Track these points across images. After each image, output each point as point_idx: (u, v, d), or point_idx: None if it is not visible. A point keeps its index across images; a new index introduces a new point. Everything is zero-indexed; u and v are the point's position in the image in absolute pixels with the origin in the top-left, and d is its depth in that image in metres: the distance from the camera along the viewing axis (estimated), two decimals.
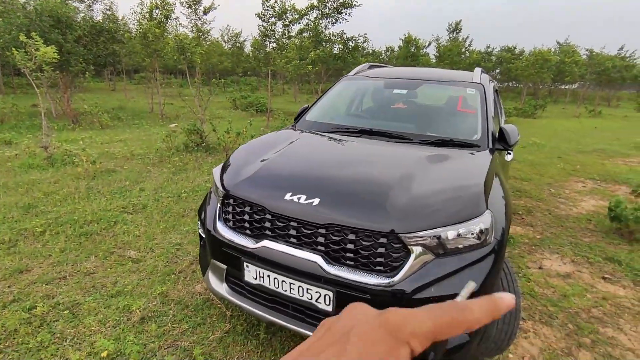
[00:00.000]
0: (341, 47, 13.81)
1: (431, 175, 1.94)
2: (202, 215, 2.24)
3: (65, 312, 2.36)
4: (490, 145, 2.42)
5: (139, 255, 3.15)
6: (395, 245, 1.63)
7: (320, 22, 13.41)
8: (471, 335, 1.66)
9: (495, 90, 3.68)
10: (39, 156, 6.08)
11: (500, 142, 2.51)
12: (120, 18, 17.73)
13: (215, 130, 6.84)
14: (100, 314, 2.36)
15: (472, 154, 2.29)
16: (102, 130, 9.94)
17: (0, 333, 2.16)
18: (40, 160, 5.92)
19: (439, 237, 1.64)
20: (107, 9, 17.12)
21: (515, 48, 34.97)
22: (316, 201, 1.76)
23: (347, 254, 1.68)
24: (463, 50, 31.02)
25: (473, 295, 0.35)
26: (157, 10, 12.28)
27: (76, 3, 15.78)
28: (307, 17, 13.34)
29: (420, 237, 1.62)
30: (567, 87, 37.83)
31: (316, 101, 3.27)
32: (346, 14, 13.61)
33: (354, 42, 14.06)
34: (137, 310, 2.38)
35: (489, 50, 35.96)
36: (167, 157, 6.55)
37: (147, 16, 12.58)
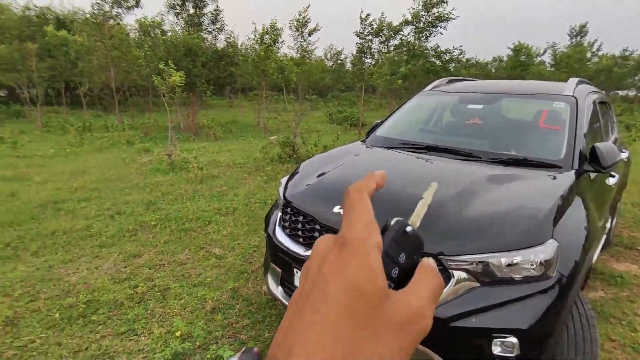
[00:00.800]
0: (435, 60, 13.39)
1: (489, 196, 1.81)
2: (267, 220, 2.46)
3: (158, 293, 2.82)
4: (577, 167, 2.11)
5: (222, 252, 3.56)
6: None
7: (414, 36, 13.23)
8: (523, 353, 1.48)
9: (603, 103, 3.17)
10: (164, 162, 7.28)
11: (592, 163, 2.18)
12: (240, 44, 20.16)
13: (305, 143, 7.27)
14: (183, 299, 2.75)
15: (550, 175, 2.04)
16: (215, 142, 11.40)
17: (112, 304, 2.69)
18: (164, 165, 7.09)
19: (486, 264, 1.53)
20: (228, 37, 19.62)
21: None
22: None
23: None
24: (589, 56, 26.81)
25: None
26: (267, 36, 13.70)
27: (205, 34, 18.48)
28: (402, 32, 13.31)
29: (463, 261, 1.53)
30: None
31: (388, 116, 3.29)
32: (442, 27, 13.17)
33: (448, 54, 13.48)
34: (210, 301, 2.71)
35: (625, 54, 30.20)
36: (262, 167, 7.19)
37: (258, 41, 14.14)
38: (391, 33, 13.28)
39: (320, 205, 2.00)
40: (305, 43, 20.20)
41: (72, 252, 3.45)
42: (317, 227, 1.95)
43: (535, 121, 2.59)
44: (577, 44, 28.67)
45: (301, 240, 2.06)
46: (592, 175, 2.25)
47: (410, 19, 13.38)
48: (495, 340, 1.50)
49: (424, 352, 1.59)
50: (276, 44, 14.12)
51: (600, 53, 29.60)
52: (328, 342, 0.23)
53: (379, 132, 3.09)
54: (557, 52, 27.43)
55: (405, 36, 13.49)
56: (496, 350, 1.51)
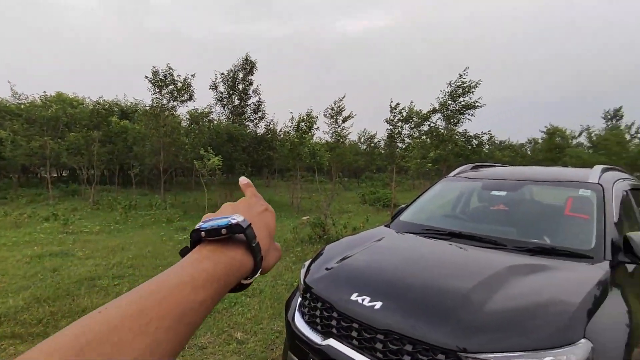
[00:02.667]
0: (465, 145, 13.78)
1: (515, 289, 1.73)
2: (288, 305, 2.44)
3: None
4: (610, 257, 2.01)
5: (244, 337, 3.47)
6: None
7: (444, 121, 13.88)
8: None
9: (638, 189, 3.06)
10: None
11: (628, 254, 2.06)
12: (279, 130, 21.80)
13: (334, 224, 7.33)
14: None
15: (581, 266, 1.94)
16: None
17: None
18: None
19: None
20: (268, 124, 21.34)
21: None
22: (378, 304, 1.77)
23: None
24: (628, 138, 26.37)
25: None
26: (302, 123, 14.85)
27: (247, 122, 20.27)
28: (430, 120, 14.02)
29: None
30: None
31: (413, 201, 3.34)
32: (470, 114, 13.81)
33: (477, 139, 13.87)
34: None
35: None
36: (292, 247, 7.23)
37: (295, 128, 15.30)
38: (420, 120, 14.04)
39: (338, 292, 1.99)
40: (339, 129, 21.55)
41: None
42: (335, 314, 1.92)
43: (561, 209, 2.54)
44: (613, 127, 28.42)
45: (319, 327, 2.01)
46: (631, 267, 2.11)
47: (438, 107, 14.21)
48: None
49: None
50: (311, 130, 15.17)
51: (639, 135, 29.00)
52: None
53: (404, 217, 3.12)
54: (592, 134, 27.25)
55: (434, 123, 14.24)
56: None
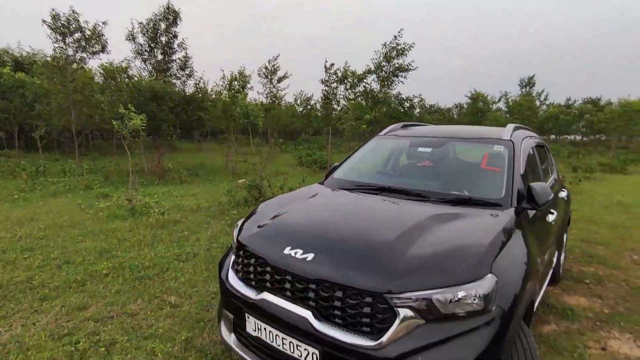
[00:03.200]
0: (398, 107, 14.35)
1: (433, 235, 1.88)
2: (222, 265, 2.40)
3: (102, 349, 2.60)
4: (515, 205, 2.26)
5: (178, 301, 3.38)
6: (381, 306, 1.58)
7: (378, 84, 14.18)
8: None
9: (541, 147, 3.46)
10: (124, 207, 6.97)
11: (530, 202, 2.34)
12: (210, 89, 20.42)
13: (270, 186, 7.29)
14: (130, 354, 2.55)
15: (491, 213, 2.16)
16: (180, 185, 11.16)
17: None
18: (124, 211, 6.78)
19: (430, 300, 1.56)
20: (197, 83, 19.82)
21: (600, 100, 32.30)
22: (310, 256, 1.81)
23: (336, 312, 1.67)
24: (538, 104, 29.61)
25: None
26: (235, 82, 14.10)
27: (174, 79, 18.63)
28: (365, 81, 14.22)
29: (407, 298, 1.56)
30: None
31: (346, 159, 3.40)
32: (403, 76, 14.29)
33: (409, 102, 14.53)
34: (160, 354, 2.53)
35: (569, 102, 33.74)
36: (227, 210, 7.07)
37: (227, 87, 14.50)
38: (355, 81, 14.18)
39: (271, 247, 1.99)
40: (274, 89, 20.89)
41: (7, 308, 3.15)
42: (268, 269, 1.93)
43: (478, 163, 2.78)
44: (527, 94, 31.58)
45: (253, 283, 2.02)
46: (532, 213, 2.40)
47: (373, 68, 14.43)
48: None
49: None
50: (244, 90, 14.51)
51: (547, 102, 32.72)
52: None
53: (337, 174, 3.18)
54: (509, 100, 29.97)
55: (369, 84, 14.52)
56: None
